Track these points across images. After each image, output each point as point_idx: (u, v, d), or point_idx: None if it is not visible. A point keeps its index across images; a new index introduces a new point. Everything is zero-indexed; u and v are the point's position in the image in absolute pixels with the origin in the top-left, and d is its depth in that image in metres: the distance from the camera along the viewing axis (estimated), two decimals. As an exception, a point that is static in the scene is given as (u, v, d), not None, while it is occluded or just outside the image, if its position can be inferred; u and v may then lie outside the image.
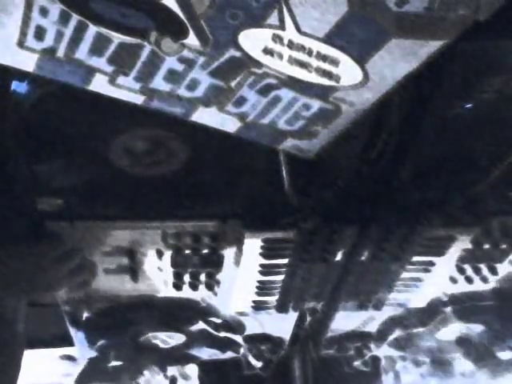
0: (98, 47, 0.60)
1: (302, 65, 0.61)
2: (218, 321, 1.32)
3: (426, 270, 1.17)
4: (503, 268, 1.22)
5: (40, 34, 0.58)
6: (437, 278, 1.19)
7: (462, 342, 1.43)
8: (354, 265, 1.12)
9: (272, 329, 1.40)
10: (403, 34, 0.57)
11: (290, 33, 0.57)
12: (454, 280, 1.23)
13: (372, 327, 1.43)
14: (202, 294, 1.21)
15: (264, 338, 1.42)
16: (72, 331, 1.28)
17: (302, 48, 0.59)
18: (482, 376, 1.52)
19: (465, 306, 1.32)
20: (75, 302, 1.20)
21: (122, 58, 0.61)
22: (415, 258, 1.13)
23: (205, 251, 1.08)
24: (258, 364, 1.46)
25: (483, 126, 0.88)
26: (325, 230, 1.03)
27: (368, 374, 1.54)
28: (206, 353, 1.44)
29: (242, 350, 1.44)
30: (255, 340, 1.42)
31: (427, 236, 1.07)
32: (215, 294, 1.20)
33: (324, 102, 0.68)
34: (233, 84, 0.65)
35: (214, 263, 1.11)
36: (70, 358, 1.42)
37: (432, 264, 1.15)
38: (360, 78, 0.63)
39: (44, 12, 0.56)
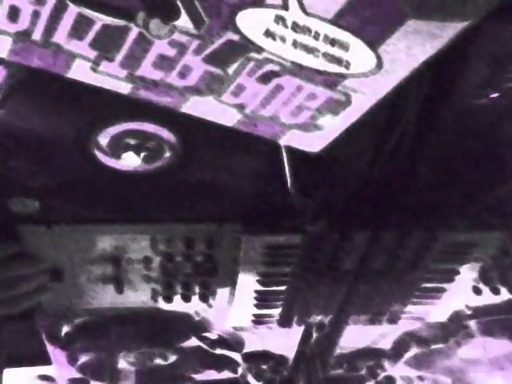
0: (78, 30, 0.59)
1: (308, 49, 0.61)
2: (214, 337, 1.32)
3: (447, 280, 1.17)
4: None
5: (14, 14, 0.58)
6: (459, 288, 1.19)
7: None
8: (365, 274, 1.12)
9: (274, 346, 1.40)
10: (421, 14, 0.57)
11: (294, 13, 0.57)
12: (478, 291, 1.23)
13: (386, 344, 1.43)
14: (195, 307, 1.21)
15: (265, 355, 1.42)
16: (50, 348, 1.28)
17: (307, 31, 0.59)
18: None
19: (490, 320, 1.32)
20: (53, 315, 1.20)
21: (105, 42, 0.61)
22: (434, 267, 1.13)
23: (199, 258, 1.08)
24: (259, 385, 1.46)
25: (511, 117, 0.88)
26: (332, 235, 1.03)
27: (381, 396, 1.55)
28: (201, 372, 1.44)
29: (240, 370, 1.44)
30: (255, 358, 1.42)
31: (447, 241, 1.07)
32: (210, 307, 1.20)
33: (332, 92, 0.67)
34: (230, 71, 0.65)
35: (208, 272, 1.11)
36: (48, 379, 1.42)
37: (453, 273, 1.15)
38: (373, 64, 0.63)
39: (18, -10, 0.56)
